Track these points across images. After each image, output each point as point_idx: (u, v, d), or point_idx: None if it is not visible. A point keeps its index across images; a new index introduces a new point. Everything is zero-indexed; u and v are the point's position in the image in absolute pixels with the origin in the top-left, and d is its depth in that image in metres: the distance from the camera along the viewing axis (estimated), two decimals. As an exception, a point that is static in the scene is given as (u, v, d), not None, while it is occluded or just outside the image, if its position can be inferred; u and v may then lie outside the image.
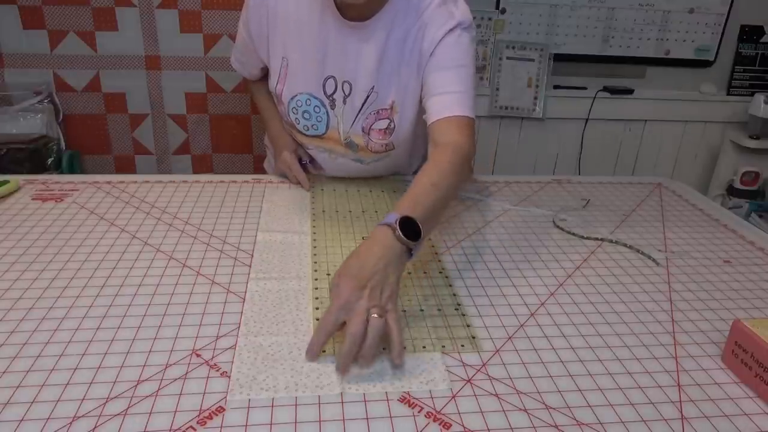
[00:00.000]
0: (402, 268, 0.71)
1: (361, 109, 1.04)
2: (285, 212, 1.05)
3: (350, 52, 1.00)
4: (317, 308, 0.76)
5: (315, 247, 0.93)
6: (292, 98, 1.05)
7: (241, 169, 2.09)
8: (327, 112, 1.06)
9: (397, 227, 0.70)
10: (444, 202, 0.81)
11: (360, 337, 0.63)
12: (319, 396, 0.61)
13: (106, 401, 0.59)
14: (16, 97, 1.85)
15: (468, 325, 0.75)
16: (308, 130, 1.08)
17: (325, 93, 1.04)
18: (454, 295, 0.82)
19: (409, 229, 0.71)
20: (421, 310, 0.77)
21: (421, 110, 1.01)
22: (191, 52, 1.92)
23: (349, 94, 1.03)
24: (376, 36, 0.98)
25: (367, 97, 1.03)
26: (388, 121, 1.04)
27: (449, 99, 0.95)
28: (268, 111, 1.21)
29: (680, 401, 0.63)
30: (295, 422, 0.58)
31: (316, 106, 1.05)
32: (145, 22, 1.86)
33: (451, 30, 0.97)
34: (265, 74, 1.15)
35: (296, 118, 1.07)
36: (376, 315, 0.64)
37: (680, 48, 2.29)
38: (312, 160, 1.19)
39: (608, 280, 0.88)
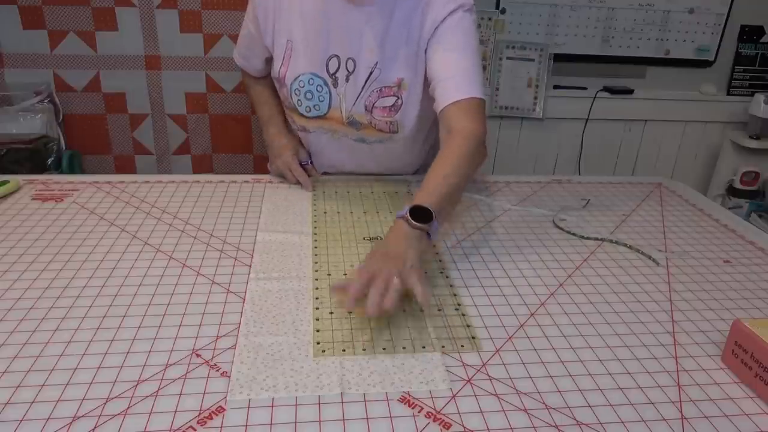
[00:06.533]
0: (421, 247, 0.80)
1: (364, 86, 1.05)
2: (285, 212, 1.05)
3: (353, 29, 1.01)
4: (317, 308, 0.76)
5: (316, 247, 0.93)
6: (294, 79, 1.06)
7: (241, 169, 2.09)
8: (329, 91, 1.06)
9: (408, 216, 0.80)
10: (457, 188, 0.90)
11: (382, 289, 0.70)
12: (319, 396, 0.61)
13: (106, 401, 0.59)
14: (16, 97, 1.84)
15: (468, 325, 0.75)
16: (310, 111, 1.09)
17: (328, 71, 1.05)
18: (455, 295, 0.82)
19: (421, 215, 0.80)
20: (421, 311, 0.76)
21: (428, 90, 1.03)
22: (191, 52, 1.91)
23: (353, 71, 1.04)
24: (378, 13, 1.00)
25: (370, 73, 1.04)
26: (395, 98, 1.05)
27: (454, 83, 0.97)
28: (268, 110, 1.21)
29: (680, 401, 0.63)
30: (295, 422, 0.58)
31: (318, 85, 1.06)
32: (145, 22, 1.85)
33: (453, 11, 0.99)
34: (268, 71, 1.16)
35: (298, 100, 1.08)
36: (397, 280, 0.72)
37: (680, 48, 2.29)
38: (311, 161, 1.19)
39: (608, 280, 0.88)
